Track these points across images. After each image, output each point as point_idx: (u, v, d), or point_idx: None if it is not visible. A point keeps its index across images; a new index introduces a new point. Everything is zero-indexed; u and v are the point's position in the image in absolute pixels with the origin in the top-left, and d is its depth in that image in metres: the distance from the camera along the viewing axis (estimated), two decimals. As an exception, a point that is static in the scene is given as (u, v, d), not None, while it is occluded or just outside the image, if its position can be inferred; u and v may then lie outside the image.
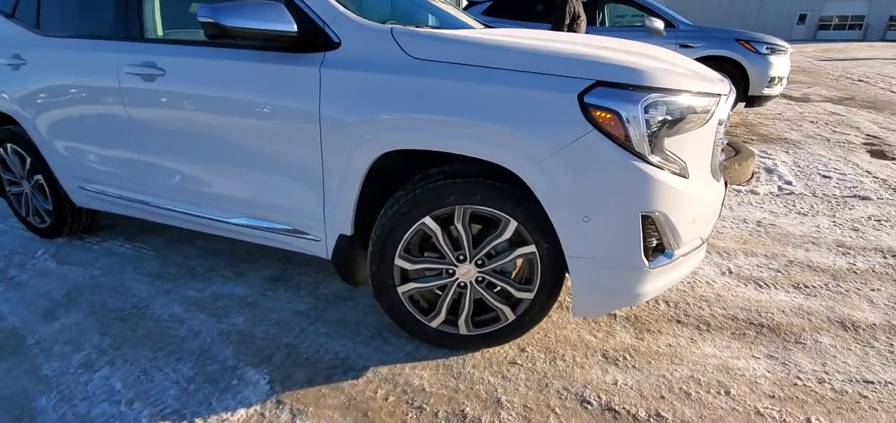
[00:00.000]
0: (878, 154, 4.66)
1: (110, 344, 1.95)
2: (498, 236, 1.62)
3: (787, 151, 4.72)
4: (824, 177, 3.98)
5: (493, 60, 1.46)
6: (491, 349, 1.85)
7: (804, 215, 3.20)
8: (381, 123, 1.56)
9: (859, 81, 10.44)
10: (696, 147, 1.48)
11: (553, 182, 1.41)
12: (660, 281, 1.54)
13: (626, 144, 1.35)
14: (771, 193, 3.59)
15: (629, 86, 1.35)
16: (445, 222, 1.65)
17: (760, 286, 2.32)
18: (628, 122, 1.33)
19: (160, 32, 2.15)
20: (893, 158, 4.52)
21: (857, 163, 4.37)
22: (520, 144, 1.42)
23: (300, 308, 2.15)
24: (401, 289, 1.73)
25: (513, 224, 1.58)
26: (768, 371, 1.77)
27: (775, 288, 2.31)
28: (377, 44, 1.60)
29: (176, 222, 2.30)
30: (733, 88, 1.70)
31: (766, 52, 5.35)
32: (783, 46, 5.51)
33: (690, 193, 1.46)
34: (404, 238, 1.64)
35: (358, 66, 1.59)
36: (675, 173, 1.42)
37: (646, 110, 1.35)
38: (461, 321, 1.76)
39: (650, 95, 1.35)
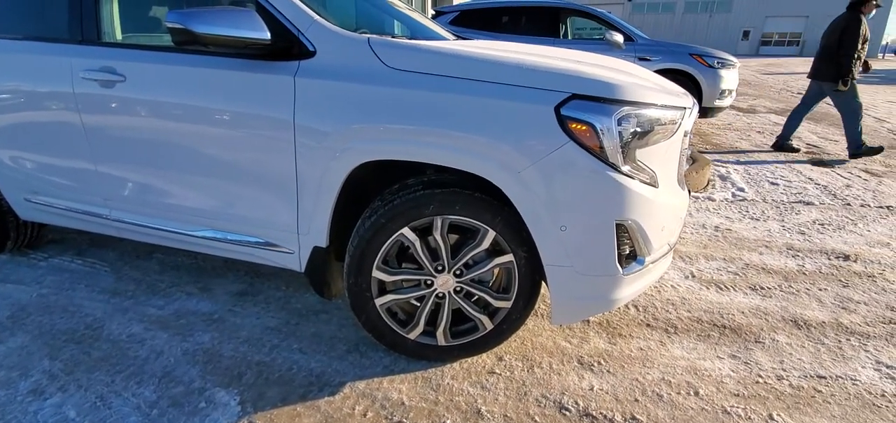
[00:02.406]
0: (819, 162, 5.02)
1: (62, 368, 1.81)
2: (476, 245, 1.62)
3: (739, 160, 5.01)
4: (772, 183, 4.24)
5: (471, 72, 1.48)
6: (469, 359, 1.84)
7: (757, 219, 3.40)
8: (357, 133, 1.54)
9: (798, 93, 11.24)
10: (664, 157, 1.55)
11: (531, 192, 1.43)
12: (633, 287, 1.59)
13: (600, 155, 1.39)
14: (726, 199, 3.79)
15: (603, 99, 1.40)
16: (423, 233, 1.64)
17: (721, 289, 2.44)
18: (602, 133, 1.38)
19: (119, 36, 2.04)
20: (831, 166, 4.88)
21: (801, 171, 4.69)
22: (498, 155, 1.43)
23: (271, 324, 2.08)
24: (378, 301, 1.71)
25: (491, 234, 1.59)
26: (732, 371, 1.85)
27: (735, 290, 2.43)
28: (353, 53, 1.58)
29: (134, 235, 2.17)
30: (696, 102, 1.79)
31: (718, 65, 5.67)
32: (732, 61, 5.86)
33: (660, 202, 1.52)
34: (382, 249, 1.62)
35: (334, 76, 1.57)
36: (645, 183, 1.47)
37: (619, 122, 1.39)
38: (439, 332, 1.75)
39: (623, 108, 1.40)
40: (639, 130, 1.43)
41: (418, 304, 1.73)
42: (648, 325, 2.11)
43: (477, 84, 1.45)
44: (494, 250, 1.64)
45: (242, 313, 2.16)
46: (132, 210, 2.08)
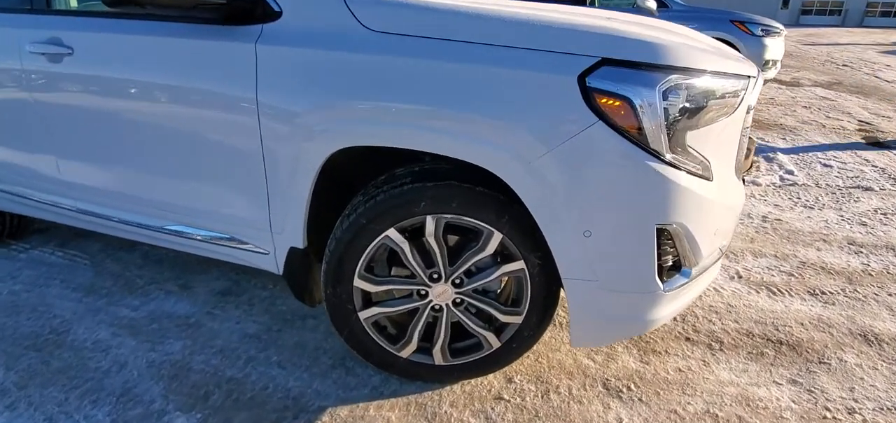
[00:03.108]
0: (873, 142, 4.49)
1: (15, 382, 1.62)
2: (479, 250, 1.33)
3: (785, 138, 4.52)
4: (825, 166, 3.78)
5: (472, 34, 1.16)
6: (472, 381, 1.56)
7: (810, 208, 2.98)
8: (332, 112, 1.24)
9: (844, 65, 10.38)
10: (720, 141, 1.21)
11: (546, 188, 1.12)
12: (674, 305, 1.28)
13: (638, 139, 1.06)
14: (773, 184, 3.37)
15: (643, 65, 1.06)
16: (414, 235, 1.35)
17: (774, 294, 2.08)
18: (642, 110, 1.05)
19: (73, 3, 1.78)
20: (888, 146, 4.36)
21: (855, 151, 4.19)
22: (505, 140, 1.12)
23: (251, 330, 1.84)
24: (363, 315, 1.44)
25: (497, 236, 1.29)
26: (794, 401, 1.52)
27: (790, 295, 2.08)
28: (326, 13, 1.27)
29: (100, 228, 1.95)
30: (760, 71, 1.42)
31: (761, 34, 5.13)
32: (777, 28, 5.30)
33: (714, 200, 1.18)
34: (364, 255, 1.34)
35: (303, 42, 1.27)
36: (696, 175, 1.14)
37: (664, 96, 1.06)
38: (436, 350, 1.47)
39: (670, 77, 1.07)
40: (690, 105, 1.09)
41: (411, 317, 1.46)
42: (688, 338, 1.79)
43: (476, 48, 1.13)
44: (502, 256, 1.34)
45: (221, 316, 1.93)
46: (94, 201, 1.85)
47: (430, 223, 1.29)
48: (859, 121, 5.29)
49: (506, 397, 1.52)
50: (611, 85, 1.05)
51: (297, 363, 1.67)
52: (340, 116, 1.23)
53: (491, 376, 1.58)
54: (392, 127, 1.21)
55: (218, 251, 1.69)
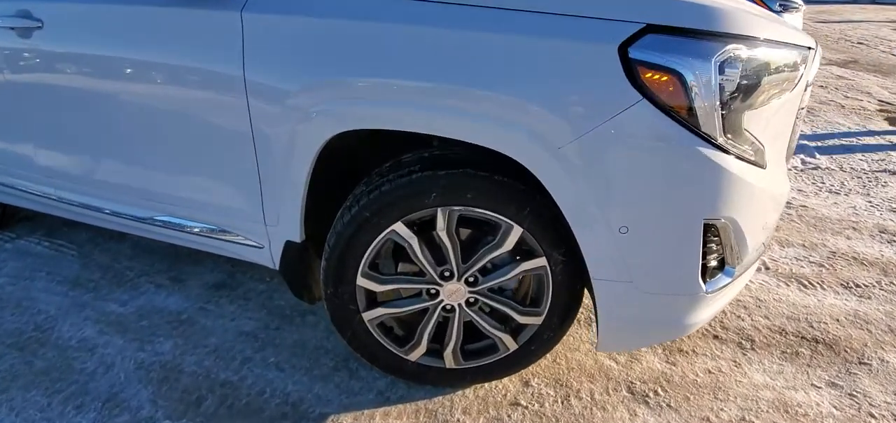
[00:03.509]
0: (896, 122, 4.31)
1: (-6, 385, 1.50)
2: (496, 245, 1.19)
3: (803, 120, 4.34)
4: (847, 149, 3.61)
5: (491, -2, 1.00)
6: (486, 385, 1.44)
7: (836, 193, 2.83)
8: (330, 91, 1.10)
9: (859, 43, 10.07)
10: (777, 122, 1.06)
11: (577, 177, 0.98)
12: (714, 306, 1.15)
13: (689, 121, 0.92)
14: (795, 168, 3.21)
15: (696, 32, 0.91)
16: (424, 228, 1.21)
17: (805, 287, 1.95)
18: (694, 87, 0.90)
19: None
20: (914, 127, 4.18)
21: (878, 133, 4.02)
22: (529, 121, 0.98)
23: (247, 327, 1.72)
24: (367, 316, 1.31)
25: (516, 231, 1.15)
26: (835, 407, 1.40)
27: (823, 288, 1.94)
28: (323, -24, 1.12)
29: (84, 218, 1.83)
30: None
31: (780, 9, 4.88)
32: (797, 3, 5.05)
33: (765, 190, 1.04)
34: (368, 251, 1.21)
35: (295, 8, 1.12)
36: (750, 162, 0.99)
37: (721, 69, 0.91)
38: (447, 353, 1.35)
39: (727, 47, 0.91)
40: (748, 80, 0.94)
41: (420, 317, 1.33)
42: (716, 337, 1.66)
43: (495, 14, 0.98)
44: (521, 252, 1.21)
45: (215, 312, 1.80)
46: (76, 189, 1.72)
47: (441, 216, 1.15)
48: (880, 101, 5.09)
49: (523, 402, 1.40)
50: (657, 56, 0.90)
51: (296, 364, 1.55)
52: (339, 95, 1.09)
53: (506, 379, 1.46)
54: (398, 107, 1.06)
55: (210, 244, 1.57)
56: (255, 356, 1.59)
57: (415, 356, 1.36)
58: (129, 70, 1.32)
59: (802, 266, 2.09)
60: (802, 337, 1.67)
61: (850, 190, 2.87)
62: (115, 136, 1.47)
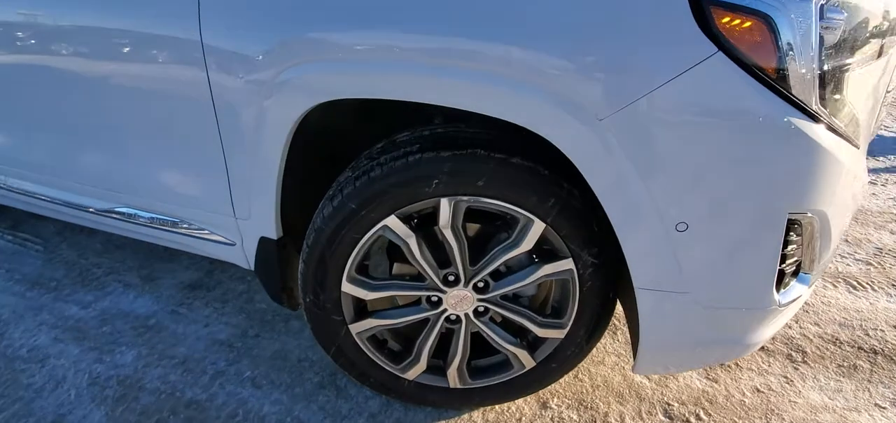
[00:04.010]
0: (926, 108, 4.06)
1: (-74, 402, 1.30)
2: (512, 244, 0.97)
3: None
4: (880, 135, 3.37)
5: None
6: (497, 408, 1.23)
7: (873, 183, 2.60)
8: (302, 52, 0.87)
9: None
10: (874, 88, 0.83)
11: (623, 158, 0.75)
12: (779, 322, 0.93)
13: (778, 83, 0.69)
14: (825, 156, 2.98)
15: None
16: (424, 223, 0.99)
17: (854, 288, 1.73)
18: (789, 38, 0.67)
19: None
20: (946, 113, 3.93)
21: (910, 118, 3.77)
22: (558, 85, 0.75)
23: (221, 334, 1.51)
24: (355, 328, 1.09)
25: (538, 227, 0.93)
26: (910, 434, 1.19)
27: (873, 289, 1.72)
28: None
29: (40, 210, 1.62)
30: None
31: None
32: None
33: (859, 177, 0.82)
34: (355, 252, 0.99)
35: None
36: (847, 140, 0.77)
37: (822, 14, 0.68)
38: (452, 371, 1.13)
39: (832, -15, 0.68)
40: (855, 33, 0.71)
41: (419, 330, 1.11)
42: (762, 348, 1.44)
43: None
44: (541, 253, 0.99)
45: (187, 316, 1.59)
46: (29, 178, 1.50)
47: (445, 208, 0.93)
48: (903, 87, 4.84)
49: (540, 429, 1.19)
50: (741, -5, 0.67)
51: (275, 380, 1.34)
52: (314, 57, 0.86)
53: (521, 400, 1.24)
54: (389, 69, 0.84)
55: (177, 241, 1.35)
56: (228, 369, 1.38)
57: (413, 374, 1.15)
58: (72, 37, 1.10)
59: (849, 264, 1.86)
60: (859, 348, 1.46)
61: (887, 180, 2.64)
62: (60, 113, 1.25)
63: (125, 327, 1.55)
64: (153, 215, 1.27)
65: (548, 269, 0.98)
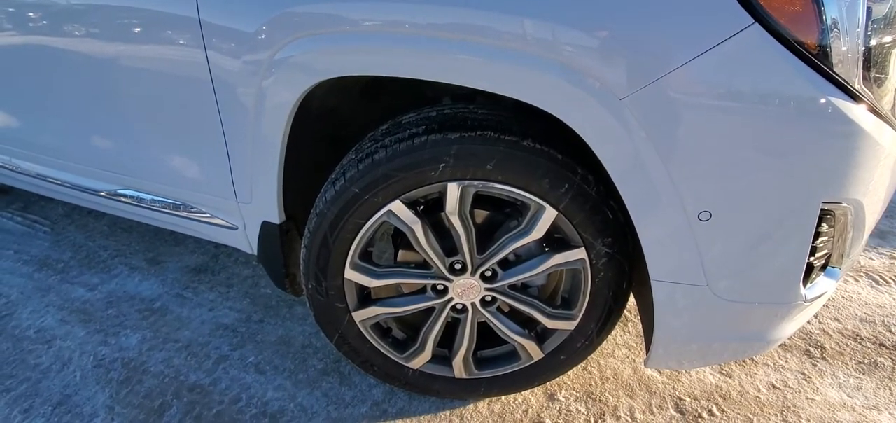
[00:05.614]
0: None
1: (-64, 382, 1.31)
2: (522, 232, 0.93)
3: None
4: None
5: None
6: (503, 399, 1.20)
7: None
8: (301, 25, 0.83)
9: None
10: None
11: (645, 141, 0.70)
12: (804, 317, 0.88)
13: (818, 59, 0.63)
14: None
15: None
16: (430, 209, 0.96)
17: (877, 282, 1.66)
18: (833, 10, 0.61)
19: None
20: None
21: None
22: (579, 62, 0.70)
23: (226, 319, 1.49)
24: (359, 315, 1.06)
25: (550, 214, 0.89)
26: (935, 435, 1.14)
27: (897, 284, 1.66)
28: None
29: (43, 190, 1.62)
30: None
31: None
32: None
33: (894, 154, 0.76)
34: (358, 237, 0.96)
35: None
36: (888, 122, 0.71)
37: (868, -18, 0.62)
38: (457, 361, 1.10)
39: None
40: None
41: (424, 318, 1.08)
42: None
43: None
44: (552, 241, 0.95)
45: (192, 300, 1.58)
46: (36, 159, 1.49)
47: (452, 193, 0.89)
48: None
49: (548, 421, 1.16)
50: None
51: (279, 365, 1.32)
52: (314, 32, 0.82)
53: (527, 392, 1.22)
54: (395, 45, 0.79)
55: (180, 224, 1.33)
56: (232, 354, 1.36)
57: (417, 363, 1.12)
58: (73, 17, 1.07)
59: (871, 258, 1.80)
60: (881, 344, 1.40)
61: (914, 171, 2.55)
62: (64, 94, 1.23)
63: (130, 310, 1.55)
64: (157, 198, 1.25)
65: (559, 258, 0.94)
